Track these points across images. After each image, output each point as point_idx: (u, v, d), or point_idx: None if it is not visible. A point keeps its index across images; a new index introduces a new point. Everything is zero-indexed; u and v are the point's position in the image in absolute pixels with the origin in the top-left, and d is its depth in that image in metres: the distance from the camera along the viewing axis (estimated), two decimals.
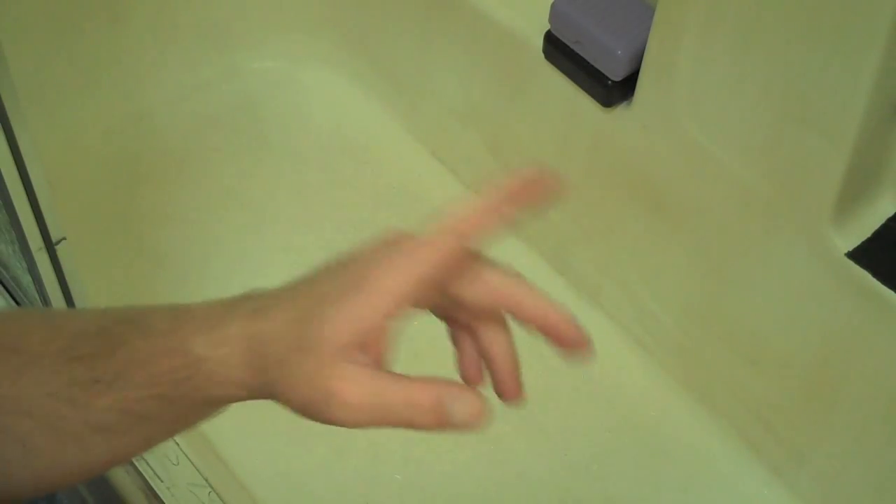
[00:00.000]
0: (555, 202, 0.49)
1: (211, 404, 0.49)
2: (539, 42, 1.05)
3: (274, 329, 0.46)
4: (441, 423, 0.44)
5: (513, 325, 0.49)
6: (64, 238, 0.81)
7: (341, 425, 0.44)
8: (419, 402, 0.44)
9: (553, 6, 1.01)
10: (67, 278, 0.83)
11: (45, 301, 0.84)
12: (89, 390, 0.48)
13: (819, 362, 0.98)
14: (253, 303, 0.47)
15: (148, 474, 0.89)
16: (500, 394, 0.50)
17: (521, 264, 1.25)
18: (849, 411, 0.97)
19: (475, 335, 0.50)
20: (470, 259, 0.48)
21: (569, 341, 0.49)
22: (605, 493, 1.08)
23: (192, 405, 0.49)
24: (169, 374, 0.47)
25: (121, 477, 0.90)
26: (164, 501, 0.88)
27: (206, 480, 0.90)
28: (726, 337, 1.05)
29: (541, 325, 0.48)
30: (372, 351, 0.45)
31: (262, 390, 0.46)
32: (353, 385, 0.43)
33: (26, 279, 0.85)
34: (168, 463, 0.90)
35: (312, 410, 0.45)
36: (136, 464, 0.90)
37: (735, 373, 1.06)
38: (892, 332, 0.90)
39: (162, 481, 0.89)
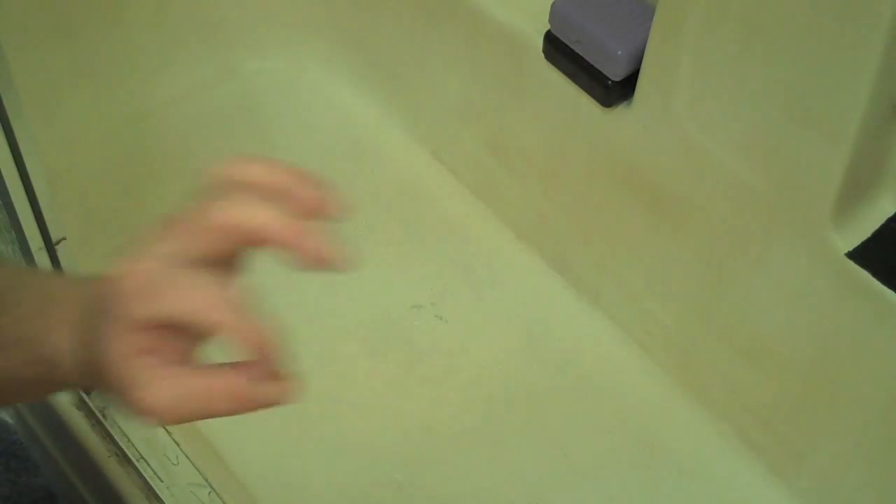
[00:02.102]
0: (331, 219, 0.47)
1: (65, 388, 0.50)
2: (539, 42, 1.05)
3: (85, 345, 0.47)
4: (244, 407, 0.44)
5: None
6: (64, 238, 0.81)
7: (162, 425, 0.45)
8: (218, 390, 0.44)
9: (553, 6, 1.01)
10: None
11: None
12: None
13: (819, 362, 0.98)
14: (88, 312, 0.48)
15: (148, 474, 0.89)
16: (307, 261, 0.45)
17: (522, 264, 1.25)
18: (849, 411, 0.97)
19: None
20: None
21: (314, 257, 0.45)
22: (605, 493, 1.08)
23: (50, 389, 0.51)
24: (29, 366, 0.49)
25: (121, 477, 0.90)
26: (164, 501, 0.88)
27: (206, 480, 0.90)
28: (726, 337, 1.05)
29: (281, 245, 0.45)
30: (156, 353, 0.45)
31: (108, 397, 0.49)
32: (145, 391, 0.44)
33: None
34: (168, 463, 0.90)
35: (134, 415, 0.45)
36: (136, 464, 0.90)
37: (735, 373, 1.06)
38: (892, 332, 0.90)
39: (162, 481, 0.89)
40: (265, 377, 0.44)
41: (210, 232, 0.45)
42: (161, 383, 0.44)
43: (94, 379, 0.47)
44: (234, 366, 0.45)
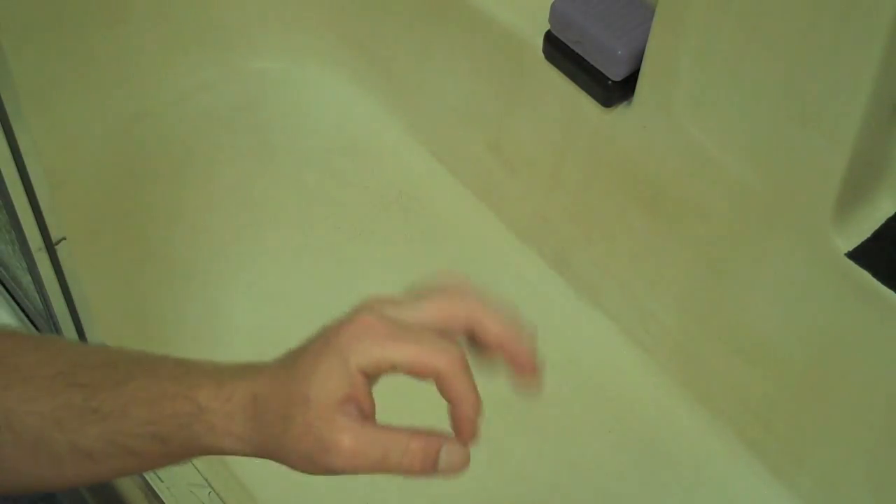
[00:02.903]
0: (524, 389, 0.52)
1: (204, 452, 0.50)
2: (539, 42, 1.05)
3: (270, 387, 0.48)
4: (430, 469, 0.49)
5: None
6: (64, 238, 0.81)
7: (339, 472, 0.48)
8: (413, 450, 0.48)
9: (553, 6, 1.01)
10: (67, 278, 0.83)
11: (45, 301, 0.84)
12: (83, 417, 0.49)
13: (819, 362, 0.98)
14: (256, 367, 0.50)
15: (148, 474, 0.89)
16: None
17: (522, 264, 1.25)
18: (849, 411, 0.97)
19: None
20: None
21: (524, 367, 0.51)
22: (605, 493, 1.08)
23: (184, 450, 0.50)
24: (171, 418, 0.49)
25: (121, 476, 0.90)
26: (164, 501, 0.88)
27: (206, 480, 0.90)
28: (726, 337, 1.05)
29: (503, 349, 0.51)
30: (358, 403, 0.48)
31: (264, 446, 0.49)
32: (350, 435, 0.47)
33: (26, 279, 0.85)
34: None
35: (314, 459, 0.48)
36: None
37: (735, 373, 1.06)
38: (892, 332, 0.90)
39: (162, 481, 0.89)
40: (453, 443, 0.49)
41: (440, 309, 0.51)
42: (362, 431, 0.47)
43: (263, 425, 0.48)
44: (417, 430, 0.49)
